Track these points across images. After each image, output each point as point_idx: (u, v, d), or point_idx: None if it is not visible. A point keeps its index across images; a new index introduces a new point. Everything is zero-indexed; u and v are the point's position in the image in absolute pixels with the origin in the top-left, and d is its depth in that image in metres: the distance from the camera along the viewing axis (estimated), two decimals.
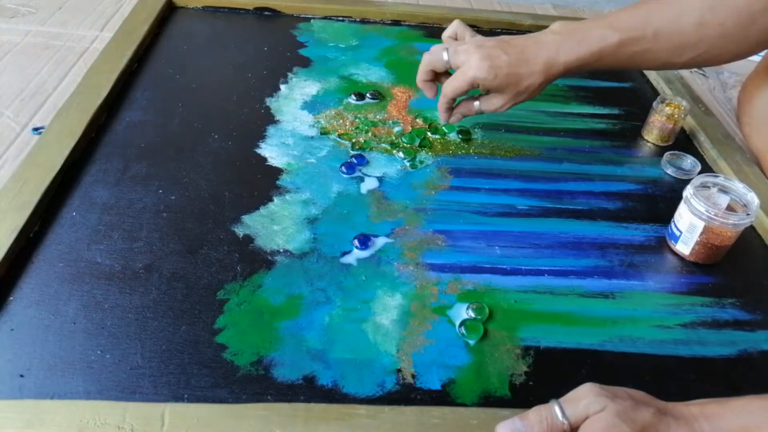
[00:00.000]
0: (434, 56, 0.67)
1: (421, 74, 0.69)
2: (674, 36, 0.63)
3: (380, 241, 0.60)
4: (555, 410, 0.42)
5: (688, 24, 0.63)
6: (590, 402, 0.41)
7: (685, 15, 0.63)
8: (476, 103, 0.68)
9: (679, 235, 0.62)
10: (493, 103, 0.67)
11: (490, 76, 0.63)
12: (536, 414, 0.42)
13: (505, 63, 0.63)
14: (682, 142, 0.80)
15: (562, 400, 0.42)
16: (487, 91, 0.67)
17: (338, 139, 0.73)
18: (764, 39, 0.63)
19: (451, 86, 0.66)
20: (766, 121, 0.74)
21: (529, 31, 1.02)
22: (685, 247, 0.61)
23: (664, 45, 0.64)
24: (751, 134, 0.76)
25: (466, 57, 0.64)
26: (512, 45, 0.64)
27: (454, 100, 0.68)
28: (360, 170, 0.69)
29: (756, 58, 1.03)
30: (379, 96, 0.81)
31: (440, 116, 0.70)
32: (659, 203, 0.69)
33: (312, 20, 0.98)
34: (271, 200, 0.63)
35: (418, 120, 0.78)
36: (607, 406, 0.41)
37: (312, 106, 0.78)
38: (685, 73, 0.97)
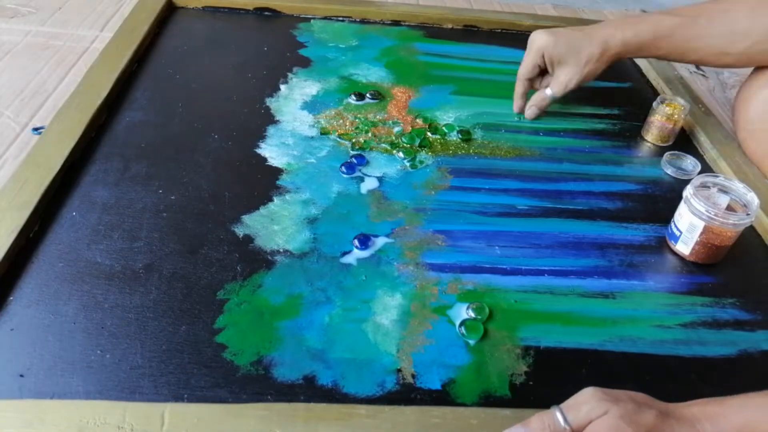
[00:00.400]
0: (523, 67, 0.76)
1: (518, 89, 0.78)
2: (726, 20, 0.67)
3: (380, 241, 0.60)
4: (557, 416, 0.41)
5: (740, 11, 0.67)
6: (592, 407, 0.41)
7: (738, 3, 0.67)
8: (547, 90, 0.75)
9: (679, 235, 0.62)
10: (560, 80, 0.73)
11: (551, 41, 0.70)
12: (538, 421, 0.42)
13: (564, 32, 0.71)
14: (682, 142, 0.80)
15: (563, 405, 0.42)
16: (553, 72, 0.74)
17: (338, 139, 0.73)
18: None
19: (522, 66, 0.75)
20: (761, 127, 0.74)
21: (529, 32, 1.03)
22: (685, 247, 0.61)
23: (718, 30, 0.67)
24: (746, 139, 0.76)
25: (531, 38, 0.74)
26: (575, 27, 0.73)
27: (529, 81, 0.76)
28: (360, 170, 0.69)
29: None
30: (379, 96, 0.81)
31: (514, 104, 0.77)
32: (659, 203, 0.69)
33: (312, 20, 0.98)
34: (271, 200, 0.63)
35: (418, 120, 0.78)
36: (610, 410, 0.40)
37: (312, 106, 0.78)
38: (685, 73, 0.97)
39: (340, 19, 0.99)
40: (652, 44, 0.70)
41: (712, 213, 0.59)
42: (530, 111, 0.77)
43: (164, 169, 0.65)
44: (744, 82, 0.79)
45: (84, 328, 0.49)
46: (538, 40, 0.72)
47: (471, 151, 0.74)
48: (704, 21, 0.68)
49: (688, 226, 0.60)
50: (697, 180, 0.62)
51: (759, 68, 0.77)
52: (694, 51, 0.70)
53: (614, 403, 0.41)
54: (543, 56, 0.73)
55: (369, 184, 0.67)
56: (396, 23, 1.00)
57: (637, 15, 0.72)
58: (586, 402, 0.41)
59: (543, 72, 0.77)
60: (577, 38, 0.71)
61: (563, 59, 0.72)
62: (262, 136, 0.72)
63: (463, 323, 0.53)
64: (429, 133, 0.76)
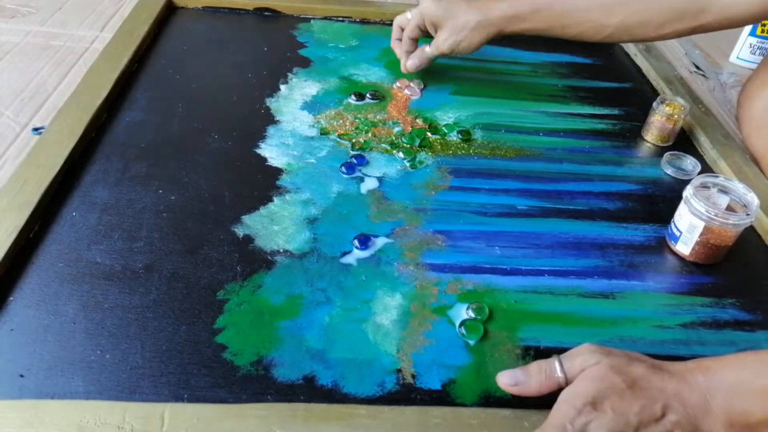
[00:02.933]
0: (400, 18, 0.81)
1: (393, 35, 0.83)
2: None
3: (380, 241, 0.60)
4: (554, 365, 0.44)
5: None
6: (586, 358, 0.44)
7: None
8: (427, 48, 0.80)
9: (679, 236, 0.62)
10: (437, 44, 0.78)
11: (433, 4, 0.75)
12: (537, 366, 0.45)
13: (447, 1, 0.76)
14: (682, 142, 0.80)
15: (562, 356, 0.45)
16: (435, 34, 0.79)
17: (338, 139, 0.73)
18: (696, 10, 0.66)
19: (407, 27, 0.79)
20: (765, 123, 0.75)
21: None
22: (685, 247, 0.61)
23: (596, 1, 0.70)
24: (750, 135, 0.76)
25: (420, 3, 0.78)
26: None
27: (413, 41, 0.81)
28: (360, 170, 0.69)
29: (752, 63, 1.03)
30: (379, 96, 0.81)
31: (401, 61, 0.82)
32: (659, 203, 0.69)
33: (312, 21, 0.98)
34: (271, 200, 0.63)
35: (418, 120, 0.78)
36: (602, 361, 0.43)
37: (312, 106, 0.78)
38: (685, 73, 0.97)
39: (340, 19, 0.99)
40: (531, 17, 0.73)
41: (712, 213, 0.59)
42: (410, 62, 0.81)
43: (164, 169, 0.65)
44: (748, 79, 0.79)
45: (84, 328, 0.49)
46: (423, 3, 0.77)
47: (471, 151, 0.74)
48: None
49: (688, 227, 0.60)
50: (697, 180, 0.62)
51: (763, 65, 0.77)
52: (575, 24, 0.72)
53: (606, 355, 0.44)
54: (423, 18, 0.77)
55: (369, 184, 0.67)
56: None
57: None
58: (581, 353, 0.44)
59: (427, 35, 0.81)
60: (457, 5, 0.75)
61: (441, 23, 0.76)
62: (262, 136, 0.72)
63: (463, 323, 0.53)
64: (429, 133, 0.76)
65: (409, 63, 0.81)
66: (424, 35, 0.81)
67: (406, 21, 0.80)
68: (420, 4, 0.78)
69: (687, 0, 0.66)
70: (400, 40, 0.82)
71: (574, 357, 0.44)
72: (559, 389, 0.44)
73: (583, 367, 0.43)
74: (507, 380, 0.46)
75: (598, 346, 0.45)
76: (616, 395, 0.41)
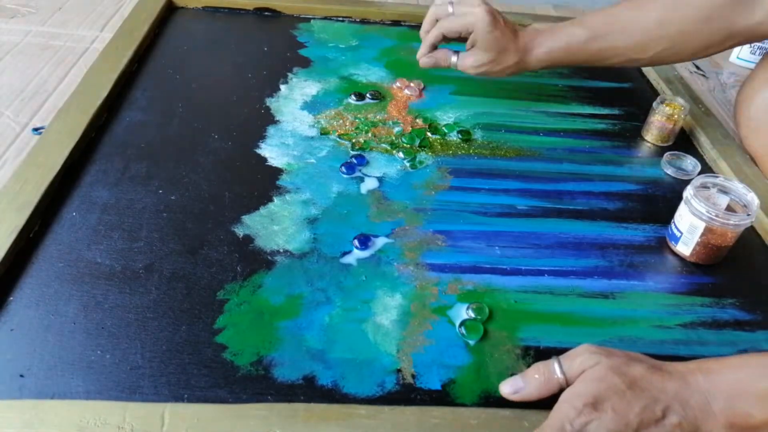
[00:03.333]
0: (439, 8, 0.72)
1: (425, 24, 0.74)
2: (636, 32, 0.69)
3: (380, 241, 0.60)
4: (554, 366, 0.44)
5: (650, 21, 0.68)
6: (585, 359, 0.44)
7: (649, 13, 0.68)
8: (454, 58, 0.73)
9: (680, 236, 0.62)
10: (468, 61, 0.72)
11: (489, 27, 0.68)
12: (535, 370, 0.45)
13: (502, 26, 0.69)
14: (682, 142, 0.80)
15: (561, 357, 0.45)
16: (471, 48, 0.72)
17: (338, 139, 0.73)
18: (723, 37, 0.68)
19: (445, 25, 0.71)
20: (763, 124, 0.75)
21: None
22: (685, 247, 0.61)
23: (629, 41, 0.69)
24: (748, 136, 0.76)
25: (470, 8, 0.69)
26: (506, 21, 0.71)
27: (442, 38, 0.73)
28: (360, 170, 0.69)
29: (752, 63, 1.03)
30: (379, 96, 0.81)
31: (420, 50, 0.74)
32: (659, 203, 0.69)
33: (312, 21, 0.98)
34: (271, 200, 0.63)
35: (418, 120, 0.78)
36: (601, 362, 0.43)
37: (312, 106, 0.78)
38: (685, 73, 0.97)
39: (340, 19, 0.99)
40: (564, 59, 0.72)
41: (713, 213, 0.59)
42: (427, 60, 0.74)
43: (164, 169, 0.65)
44: (746, 80, 0.79)
45: (84, 328, 0.49)
46: (474, 18, 0.68)
47: (471, 151, 0.74)
48: (617, 34, 0.69)
49: (689, 227, 0.60)
50: (697, 180, 0.62)
51: (760, 66, 0.77)
52: (607, 59, 0.71)
53: (606, 356, 0.44)
54: (470, 31, 0.71)
55: (369, 184, 0.67)
56: (396, 23, 1.00)
57: (557, 25, 0.72)
58: (581, 354, 0.44)
59: (459, 40, 0.75)
60: (509, 40, 0.70)
61: (487, 48, 0.70)
62: (262, 136, 0.72)
63: (463, 323, 0.53)
64: (429, 133, 0.76)
65: (425, 60, 0.75)
66: (457, 41, 0.74)
67: (445, 14, 0.71)
68: (475, 13, 0.69)
69: (712, 31, 0.67)
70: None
71: (574, 358, 0.44)
72: (560, 390, 0.44)
73: (583, 368, 0.43)
74: (507, 390, 0.46)
75: (597, 347, 0.45)
76: (617, 396, 0.41)
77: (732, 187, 0.62)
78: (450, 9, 0.71)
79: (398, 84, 0.84)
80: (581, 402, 0.41)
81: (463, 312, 0.54)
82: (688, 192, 0.60)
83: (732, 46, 0.71)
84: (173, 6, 0.96)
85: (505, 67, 0.71)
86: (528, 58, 0.71)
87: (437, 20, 0.72)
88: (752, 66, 1.03)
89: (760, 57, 1.00)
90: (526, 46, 0.71)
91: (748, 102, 0.76)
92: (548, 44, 0.71)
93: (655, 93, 0.90)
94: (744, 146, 0.77)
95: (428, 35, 0.73)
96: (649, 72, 0.93)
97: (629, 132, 0.81)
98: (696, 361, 0.45)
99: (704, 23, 0.66)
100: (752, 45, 1.03)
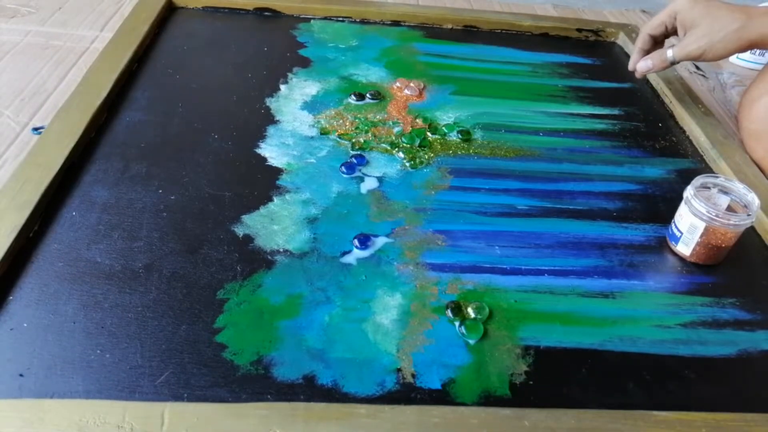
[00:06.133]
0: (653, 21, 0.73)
1: (640, 42, 0.76)
2: None
3: (380, 241, 0.60)
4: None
5: None
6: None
7: None
8: (669, 51, 0.71)
9: (680, 236, 0.62)
10: (685, 44, 0.69)
11: (689, 3, 0.67)
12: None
13: (706, 3, 0.67)
14: (682, 142, 0.80)
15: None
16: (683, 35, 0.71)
17: (338, 139, 0.73)
18: None
19: (647, 24, 0.71)
20: (764, 128, 0.75)
21: (529, 32, 1.03)
22: (685, 248, 0.61)
23: None
24: (749, 140, 0.76)
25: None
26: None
27: (652, 38, 0.73)
28: (360, 170, 0.69)
29: (752, 63, 1.03)
30: (379, 96, 0.81)
31: (631, 59, 0.73)
32: (659, 203, 0.69)
33: (312, 21, 0.98)
34: (271, 200, 0.63)
35: (418, 120, 0.78)
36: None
37: (312, 106, 0.78)
38: (684, 73, 0.97)
39: (340, 19, 0.99)
40: None
41: (713, 214, 0.59)
42: (644, 64, 0.73)
43: (164, 169, 0.65)
44: (751, 83, 0.79)
45: (84, 327, 0.49)
46: (673, 3, 0.69)
47: (471, 151, 0.74)
48: None
49: (689, 227, 0.60)
50: (698, 180, 0.62)
51: (763, 73, 0.77)
52: None
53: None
54: (675, 17, 0.69)
55: (369, 184, 0.67)
56: (396, 23, 1.00)
57: None
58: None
59: (668, 35, 0.74)
60: (718, 8, 0.67)
61: (697, 23, 0.68)
62: (262, 136, 0.72)
63: (463, 323, 0.53)
64: (429, 133, 0.76)
65: (641, 65, 0.73)
66: (665, 36, 0.73)
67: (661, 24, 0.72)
68: (673, 1, 0.69)
69: None
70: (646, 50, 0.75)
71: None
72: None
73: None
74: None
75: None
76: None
77: (732, 187, 0.62)
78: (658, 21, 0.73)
79: (398, 84, 0.84)
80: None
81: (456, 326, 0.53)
82: (689, 192, 0.60)
83: None
84: (173, 6, 0.96)
85: (730, 31, 0.67)
86: (751, 28, 0.66)
87: (652, 36, 0.72)
88: (753, 66, 1.03)
89: (761, 56, 1.00)
90: (745, 16, 0.67)
91: (750, 105, 0.76)
92: None
93: (655, 93, 0.90)
94: (745, 150, 0.77)
95: (638, 40, 0.73)
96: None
97: (629, 132, 0.81)
98: None
99: None
100: None
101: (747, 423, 0.47)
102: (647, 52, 0.73)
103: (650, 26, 0.71)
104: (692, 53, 0.69)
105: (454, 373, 0.49)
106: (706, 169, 0.76)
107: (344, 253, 0.58)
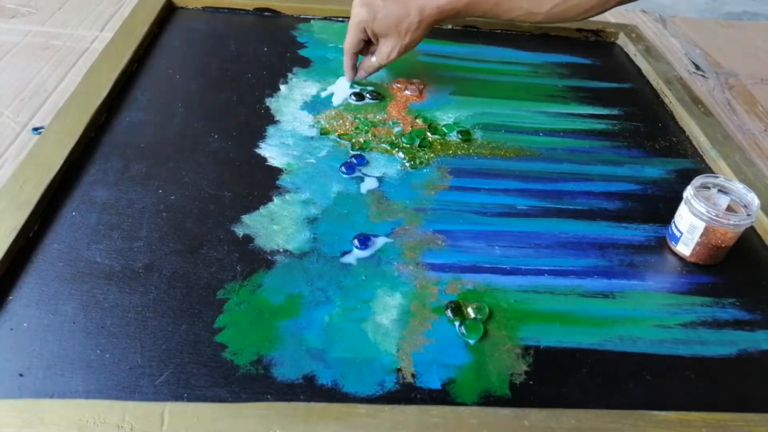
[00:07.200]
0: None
1: (349, 62, 0.80)
2: None
3: (380, 241, 0.60)
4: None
5: None
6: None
7: None
8: (373, 58, 0.79)
9: (680, 236, 0.62)
10: (383, 51, 0.77)
11: (370, 16, 0.73)
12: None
13: (381, 5, 0.74)
14: (682, 142, 0.80)
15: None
16: (377, 42, 0.77)
17: (338, 139, 0.73)
18: None
19: (346, 41, 0.78)
20: None
21: (529, 32, 1.03)
22: (685, 248, 0.61)
23: None
24: None
25: (352, 11, 0.76)
26: None
27: (355, 55, 0.79)
28: (360, 170, 0.69)
29: None
30: (379, 96, 0.81)
31: (346, 75, 0.80)
32: (659, 203, 0.69)
33: (312, 21, 0.98)
34: (271, 200, 0.63)
35: (417, 120, 0.78)
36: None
37: (312, 106, 0.78)
38: (684, 73, 0.97)
39: (340, 19, 0.99)
40: (465, 10, 0.75)
41: (713, 214, 0.59)
42: (360, 74, 0.81)
43: (164, 169, 0.65)
44: None
45: (84, 327, 0.49)
46: (357, 15, 0.75)
47: (471, 151, 0.74)
48: None
49: (689, 227, 0.60)
50: (698, 181, 0.62)
51: None
52: (506, 12, 0.75)
53: None
54: (364, 29, 0.76)
55: (369, 184, 0.67)
56: None
57: None
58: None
59: (371, 43, 0.80)
60: (395, 10, 0.74)
61: (384, 32, 0.75)
62: (262, 136, 0.72)
63: (463, 323, 0.53)
64: (429, 133, 0.76)
65: (360, 75, 0.81)
66: (368, 46, 0.79)
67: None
68: (353, 16, 0.75)
69: None
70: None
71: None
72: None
73: None
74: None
75: None
76: None
77: (732, 187, 0.62)
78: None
79: (398, 84, 0.84)
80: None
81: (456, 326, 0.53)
82: (689, 192, 0.60)
83: (617, 4, 0.76)
84: (173, 6, 0.96)
85: (413, 32, 0.75)
86: (428, 12, 0.74)
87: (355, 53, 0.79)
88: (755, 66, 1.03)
89: None
90: (419, 4, 0.74)
91: None
92: None
93: (655, 93, 0.90)
94: None
95: (345, 59, 0.79)
96: (649, 72, 0.93)
97: (629, 132, 0.81)
98: None
99: None
100: None
101: (747, 423, 0.47)
102: (354, 65, 0.80)
103: (350, 45, 0.77)
104: (391, 57, 0.77)
105: (454, 373, 0.49)
106: (706, 169, 0.76)
107: (344, 253, 0.58)
